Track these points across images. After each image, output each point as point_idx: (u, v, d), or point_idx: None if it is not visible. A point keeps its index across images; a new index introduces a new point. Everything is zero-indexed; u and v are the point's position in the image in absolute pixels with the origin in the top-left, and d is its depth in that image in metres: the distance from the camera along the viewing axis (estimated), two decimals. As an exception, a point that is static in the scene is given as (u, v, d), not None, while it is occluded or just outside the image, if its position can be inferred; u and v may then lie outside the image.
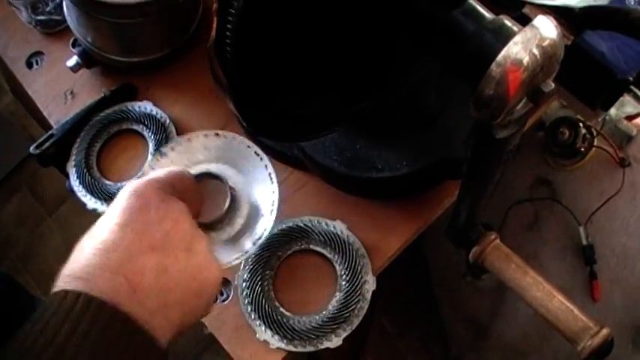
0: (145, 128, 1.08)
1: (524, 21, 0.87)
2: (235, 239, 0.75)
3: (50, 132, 1.10)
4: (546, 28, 0.61)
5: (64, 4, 1.13)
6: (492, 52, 0.59)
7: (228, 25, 0.57)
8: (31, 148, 1.10)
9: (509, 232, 1.50)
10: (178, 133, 1.07)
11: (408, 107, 0.88)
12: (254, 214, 0.76)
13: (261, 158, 0.79)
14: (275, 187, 0.78)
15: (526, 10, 0.89)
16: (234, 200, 0.75)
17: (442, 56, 0.67)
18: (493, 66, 0.59)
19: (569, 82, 0.94)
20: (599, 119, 1.38)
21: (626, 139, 1.40)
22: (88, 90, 1.17)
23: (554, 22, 0.62)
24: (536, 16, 0.88)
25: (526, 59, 0.59)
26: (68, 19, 1.13)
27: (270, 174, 0.78)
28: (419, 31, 0.66)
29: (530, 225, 1.49)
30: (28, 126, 2.52)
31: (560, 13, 0.89)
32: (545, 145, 1.45)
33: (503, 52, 0.59)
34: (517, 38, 0.59)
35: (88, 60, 1.13)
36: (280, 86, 0.67)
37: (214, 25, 0.59)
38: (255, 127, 0.70)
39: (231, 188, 0.74)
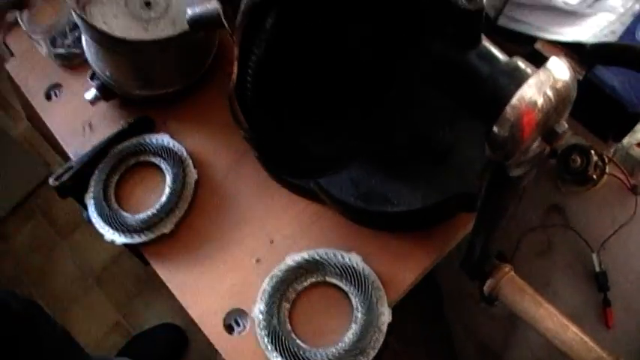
0: (162, 161, 1.10)
1: (536, 56, 0.88)
2: None
3: (69, 164, 1.12)
4: (559, 70, 0.62)
5: (82, 38, 1.15)
6: (507, 94, 0.61)
7: (249, 71, 0.59)
8: (50, 180, 1.11)
9: (522, 259, 1.50)
10: (195, 166, 1.08)
11: (422, 143, 0.89)
12: None
13: None
14: None
15: (538, 45, 0.91)
16: None
17: (457, 97, 0.68)
18: (508, 109, 0.60)
19: (581, 115, 0.96)
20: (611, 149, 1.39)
21: (638, 166, 1.40)
22: (106, 122, 1.19)
23: (567, 64, 0.63)
24: (547, 51, 0.90)
25: (540, 101, 0.60)
26: (87, 53, 1.15)
27: None
28: (434, 73, 0.67)
29: (543, 252, 1.50)
30: (43, 152, 2.55)
31: (571, 49, 0.90)
32: (557, 172, 1.45)
33: (517, 95, 0.60)
34: (531, 81, 0.61)
35: (106, 93, 1.15)
36: (298, 126, 0.68)
37: (235, 70, 0.60)
38: (274, 166, 0.72)
39: None
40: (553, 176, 1.48)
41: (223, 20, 0.80)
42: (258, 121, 0.63)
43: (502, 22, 0.91)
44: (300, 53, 0.59)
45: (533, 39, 0.91)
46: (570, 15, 0.92)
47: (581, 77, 0.91)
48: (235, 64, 0.60)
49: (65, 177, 1.10)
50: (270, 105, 0.62)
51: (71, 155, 1.17)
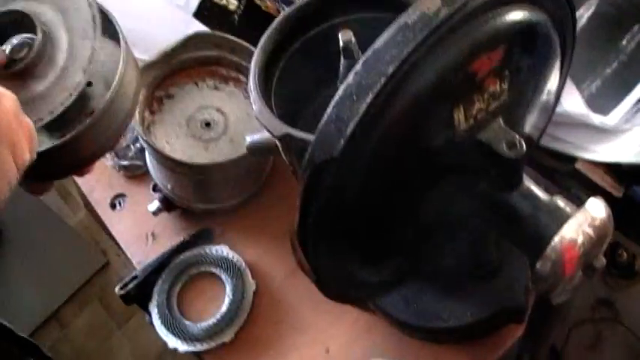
0: (221, 271, 1.15)
1: (578, 175, 0.93)
2: (41, 97, 0.66)
3: (134, 273, 1.18)
4: (597, 209, 0.66)
5: (146, 154, 1.22)
6: (549, 233, 0.65)
7: (309, 219, 0.64)
8: (117, 289, 1.17)
9: (572, 352, 1.51)
10: (253, 276, 1.14)
11: (470, 262, 0.94)
12: (69, 68, 0.67)
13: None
14: (95, 41, 0.67)
15: (578, 165, 0.95)
16: (47, 43, 0.67)
17: (502, 232, 0.73)
18: (550, 247, 0.65)
19: (623, 227, 0.99)
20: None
21: (684, 261, 1.42)
22: (168, 231, 1.25)
23: (604, 203, 0.68)
24: (587, 170, 0.94)
25: (580, 239, 0.65)
26: (150, 167, 1.22)
27: (94, 25, 0.68)
28: (480, 210, 0.72)
29: (593, 345, 1.51)
30: (100, 240, 2.63)
31: (610, 168, 0.95)
32: (605, 267, 1.47)
33: (559, 235, 0.65)
34: (572, 221, 0.65)
35: (167, 205, 1.22)
36: (355, 263, 0.73)
37: (297, 215, 0.66)
38: (334, 298, 0.77)
39: (42, 25, 0.67)
40: (601, 271, 1.50)
41: (281, 153, 0.86)
42: (316, 260, 0.69)
43: (544, 141, 0.96)
44: (357, 206, 0.64)
45: (574, 158, 0.96)
46: (608, 132, 0.97)
47: (620, 194, 0.95)
48: (297, 210, 0.65)
49: (130, 286, 1.17)
50: (328, 248, 0.68)
51: (135, 263, 1.23)
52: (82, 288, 2.63)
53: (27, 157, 0.58)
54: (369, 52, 0.59)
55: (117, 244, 1.32)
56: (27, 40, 0.67)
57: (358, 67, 0.58)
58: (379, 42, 0.59)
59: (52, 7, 0.70)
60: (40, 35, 0.67)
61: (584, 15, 1.04)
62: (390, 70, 0.57)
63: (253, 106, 0.82)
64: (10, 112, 0.56)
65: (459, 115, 0.63)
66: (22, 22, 0.67)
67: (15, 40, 0.67)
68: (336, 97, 0.59)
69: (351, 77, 0.59)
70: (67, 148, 0.69)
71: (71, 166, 0.75)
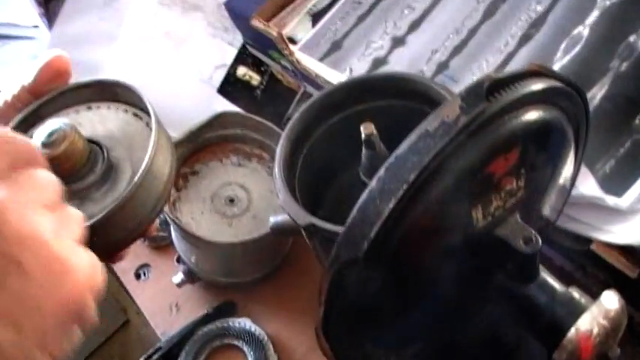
0: (244, 344, 1.18)
1: (592, 255, 0.95)
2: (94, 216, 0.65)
3: (158, 345, 1.21)
4: (611, 301, 0.69)
5: (171, 227, 1.26)
6: (565, 325, 0.67)
7: (334, 313, 0.67)
8: (141, 360, 1.20)
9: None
10: (275, 349, 1.16)
11: (487, 343, 0.95)
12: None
13: (149, 127, 0.72)
14: (166, 184, 0.70)
15: (593, 246, 0.98)
16: (112, 169, 0.69)
17: (518, 322, 0.75)
18: (566, 339, 0.67)
19: (637, 304, 1.01)
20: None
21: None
22: (191, 303, 1.28)
23: (618, 296, 0.70)
24: (602, 252, 0.96)
25: (595, 330, 0.67)
26: (174, 239, 1.26)
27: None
28: (497, 301, 0.74)
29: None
30: (121, 299, 2.65)
31: (623, 249, 0.97)
32: (623, 334, 1.48)
33: (575, 326, 0.67)
34: (587, 314, 0.67)
35: (191, 277, 1.25)
36: (379, 350, 0.76)
37: (321, 309, 0.69)
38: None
39: (109, 154, 0.68)
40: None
41: (305, 239, 0.89)
42: (341, 351, 0.71)
43: (560, 221, 0.98)
44: (381, 300, 0.67)
45: (589, 240, 0.98)
46: (623, 213, 0.99)
47: (635, 274, 0.97)
48: (322, 304, 0.68)
49: (155, 357, 1.19)
50: (351, 339, 0.70)
51: (159, 333, 1.26)
52: (102, 346, 2.64)
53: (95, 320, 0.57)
54: (391, 159, 0.62)
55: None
56: (58, 128, 0.63)
57: (381, 172, 0.61)
58: (401, 149, 0.62)
59: (124, 143, 0.71)
60: (104, 165, 0.68)
61: (596, 95, 1.06)
62: (412, 177, 0.60)
63: (278, 195, 0.85)
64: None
65: (477, 214, 0.66)
66: (91, 150, 0.68)
67: (43, 132, 0.63)
68: (361, 201, 0.62)
69: (374, 182, 0.62)
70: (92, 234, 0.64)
71: (99, 252, 0.72)
